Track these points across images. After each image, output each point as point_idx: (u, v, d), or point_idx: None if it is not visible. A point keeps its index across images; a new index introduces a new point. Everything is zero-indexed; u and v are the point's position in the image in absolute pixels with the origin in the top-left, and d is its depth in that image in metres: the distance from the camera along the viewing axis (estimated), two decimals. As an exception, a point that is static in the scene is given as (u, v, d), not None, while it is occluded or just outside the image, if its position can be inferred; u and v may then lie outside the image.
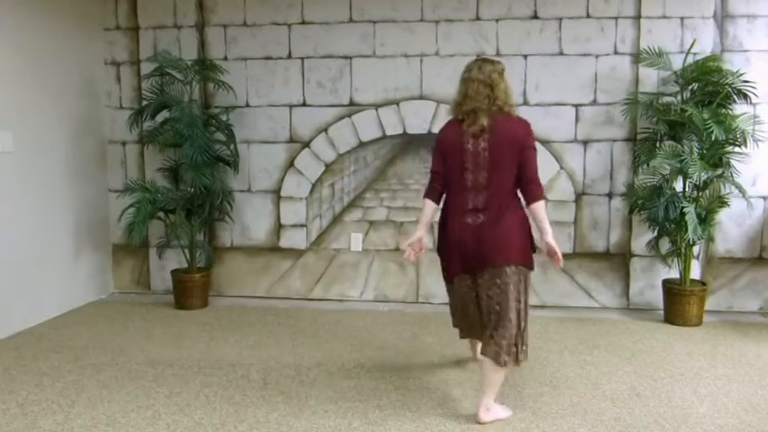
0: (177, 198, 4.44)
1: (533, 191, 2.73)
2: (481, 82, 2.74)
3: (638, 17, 4.28)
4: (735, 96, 3.99)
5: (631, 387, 3.10)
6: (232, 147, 4.57)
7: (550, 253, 2.70)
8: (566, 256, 4.46)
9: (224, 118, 4.55)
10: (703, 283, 4.20)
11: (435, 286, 4.58)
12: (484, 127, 2.70)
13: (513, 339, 2.71)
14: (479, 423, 2.73)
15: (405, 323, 4.16)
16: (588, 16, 4.33)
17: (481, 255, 2.72)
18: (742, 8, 4.21)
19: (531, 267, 2.79)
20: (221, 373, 3.29)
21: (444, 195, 2.91)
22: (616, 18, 4.31)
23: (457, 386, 3.11)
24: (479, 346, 2.97)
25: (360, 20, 4.52)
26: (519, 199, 2.80)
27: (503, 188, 2.73)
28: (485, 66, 2.79)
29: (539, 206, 2.73)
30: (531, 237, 2.82)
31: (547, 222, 2.74)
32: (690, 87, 4.09)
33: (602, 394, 3.02)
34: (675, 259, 4.15)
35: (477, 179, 2.73)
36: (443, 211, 2.92)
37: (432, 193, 2.91)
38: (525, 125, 2.77)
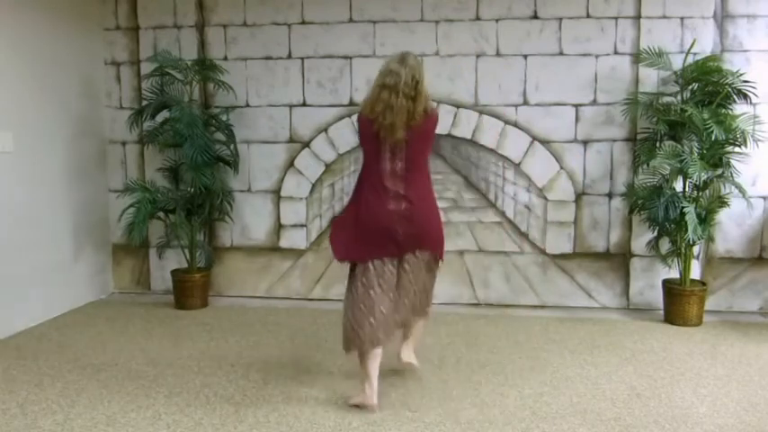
0: (177, 198, 4.44)
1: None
2: (406, 95, 2.72)
3: (638, 17, 4.28)
4: (735, 96, 3.99)
5: (631, 387, 3.10)
6: (232, 147, 4.57)
7: None
8: (566, 256, 4.50)
9: (224, 118, 4.56)
10: (703, 283, 4.20)
11: (435, 286, 4.57)
12: (400, 140, 2.75)
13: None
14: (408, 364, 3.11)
15: (405, 323, 4.16)
16: (588, 16, 4.33)
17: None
18: (742, 8, 4.21)
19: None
20: (221, 373, 3.29)
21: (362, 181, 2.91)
22: (616, 18, 4.31)
23: (456, 386, 3.11)
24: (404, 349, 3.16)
25: (360, 20, 4.52)
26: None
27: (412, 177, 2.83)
28: (413, 74, 2.73)
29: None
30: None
31: None
32: (690, 87, 4.09)
33: (602, 394, 3.02)
34: (675, 259, 4.15)
35: (395, 170, 2.80)
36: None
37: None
38: (435, 120, 2.87)
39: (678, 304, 4.07)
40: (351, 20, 4.53)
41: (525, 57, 4.40)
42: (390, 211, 2.78)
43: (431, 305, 3.15)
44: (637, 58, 4.26)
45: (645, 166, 4.19)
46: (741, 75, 3.96)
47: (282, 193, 4.73)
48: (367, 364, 2.80)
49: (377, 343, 2.80)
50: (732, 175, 4.03)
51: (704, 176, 3.92)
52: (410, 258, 2.88)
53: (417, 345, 3.21)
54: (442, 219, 3.03)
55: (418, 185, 2.84)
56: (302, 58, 4.60)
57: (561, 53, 4.37)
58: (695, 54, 4.15)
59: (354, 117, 4.56)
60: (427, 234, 2.89)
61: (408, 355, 3.14)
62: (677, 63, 4.13)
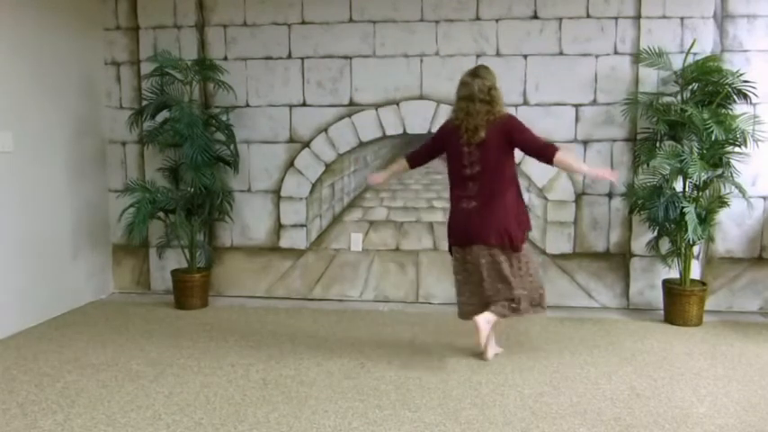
0: (177, 198, 4.44)
1: (546, 151, 3.19)
2: (482, 101, 3.21)
3: (638, 17, 4.28)
4: (735, 96, 3.99)
5: (631, 387, 3.10)
6: (232, 147, 4.56)
7: (602, 176, 3.29)
8: (566, 256, 4.50)
9: (224, 118, 4.56)
10: (703, 283, 4.20)
11: (435, 286, 4.59)
12: (483, 139, 3.20)
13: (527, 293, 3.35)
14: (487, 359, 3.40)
15: (405, 323, 4.16)
16: (588, 16, 4.33)
17: (466, 233, 3.36)
18: (742, 8, 4.21)
19: (518, 248, 3.31)
20: (221, 373, 3.29)
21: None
22: (616, 18, 4.31)
23: (457, 386, 3.11)
24: (490, 347, 3.49)
25: (360, 20, 4.52)
26: (510, 185, 3.31)
27: (493, 178, 3.25)
28: (483, 84, 3.22)
29: (562, 158, 3.15)
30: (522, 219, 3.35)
31: (580, 162, 3.51)
32: (690, 87, 4.09)
33: (602, 394, 3.02)
34: (675, 259, 4.15)
35: (473, 172, 3.27)
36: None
37: (410, 158, 3.58)
38: (510, 120, 3.27)
39: (678, 304, 4.07)
40: (351, 20, 4.53)
41: (525, 57, 4.40)
42: (462, 209, 3.31)
43: (530, 296, 3.34)
44: (637, 58, 4.26)
45: (645, 166, 4.19)
46: (741, 75, 3.96)
47: (282, 193, 4.73)
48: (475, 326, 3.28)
49: (467, 317, 3.38)
50: (732, 175, 4.03)
51: (704, 176, 3.92)
52: (479, 250, 3.29)
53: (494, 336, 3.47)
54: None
55: (492, 186, 3.25)
56: (302, 58, 4.60)
57: (561, 53, 4.37)
58: (695, 54, 4.15)
59: (354, 117, 4.59)
60: (489, 228, 3.24)
61: (490, 348, 3.46)
62: (677, 63, 4.13)
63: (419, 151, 3.55)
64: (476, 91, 3.21)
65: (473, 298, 3.39)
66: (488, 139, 3.19)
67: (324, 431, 2.65)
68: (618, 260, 4.47)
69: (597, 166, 4.39)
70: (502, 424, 2.71)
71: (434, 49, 4.47)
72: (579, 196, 4.46)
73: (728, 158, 4.00)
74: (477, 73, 3.27)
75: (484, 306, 3.32)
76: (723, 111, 3.96)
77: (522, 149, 3.28)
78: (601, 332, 3.95)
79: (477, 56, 4.42)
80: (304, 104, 4.64)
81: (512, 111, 4.42)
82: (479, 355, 3.45)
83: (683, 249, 4.06)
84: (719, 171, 4.02)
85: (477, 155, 3.23)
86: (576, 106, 4.40)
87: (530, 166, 4.45)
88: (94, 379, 3.21)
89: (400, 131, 4.57)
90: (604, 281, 4.50)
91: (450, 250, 3.48)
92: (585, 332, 3.95)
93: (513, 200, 3.29)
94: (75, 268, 4.51)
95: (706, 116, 3.81)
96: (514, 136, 3.22)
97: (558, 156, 3.13)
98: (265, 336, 3.90)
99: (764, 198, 4.30)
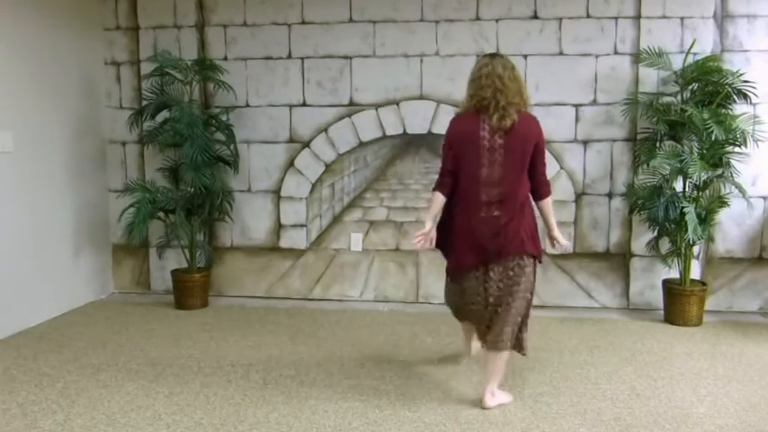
0: (177, 198, 4.44)
1: (543, 187, 2.92)
2: (511, 79, 2.76)
3: (638, 17, 4.28)
4: (735, 96, 3.99)
5: (631, 387, 3.10)
6: (232, 147, 4.56)
7: (555, 242, 3.01)
8: (566, 256, 4.49)
9: (224, 118, 4.56)
10: (703, 283, 4.20)
11: (435, 286, 4.58)
12: (514, 121, 2.72)
13: (517, 327, 2.86)
14: (485, 408, 2.84)
15: (405, 323, 4.16)
16: (588, 16, 4.33)
17: (497, 246, 2.79)
18: (742, 8, 4.21)
19: (540, 259, 2.95)
20: (221, 373, 3.29)
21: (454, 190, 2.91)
22: (616, 18, 4.31)
23: (457, 386, 3.11)
24: (474, 341, 3.16)
25: (360, 20, 4.52)
26: (528, 194, 2.91)
27: (515, 183, 2.79)
28: (506, 63, 2.80)
29: (548, 202, 2.96)
30: (537, 230, 2.94)
31: (554, 218, 3.00)
32: (690, 87, 4.09)
33: (602, 394, 3.02)
34: (675, 259, 4.15)
35: (492, 174, 2.78)
36: (451, 205, 2.92)
37: (442, 187, 2.91)
38: (539, 125, 2.85)
39: (678, 304, 4.07)
40: (351, 20, 4.53)
41: (525, 57, 4.40)
42: (482, 219, 2.82)
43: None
44: (637, 58, 4.26)
45: (645, 166, 4.19)
46: (741, 75, 3.96)
47: (282, 193, 4.73)
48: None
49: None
50: (732, 175, 4.03)
51: (704, 176, 3.92)
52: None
53: (494, 378, 2.89)
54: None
55: (515, 192, 2.80)
56: (302, 58, 4.60)
57: (561, 53, 4.37)
58: (695, 54, 4.14)
59: (354, 117, 4.58)
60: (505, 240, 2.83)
61: (484, 392, 2.91)
62: (677, 63, 4.13)
63: (445, 174, 2.90)
64: (500, 69, 2.76)
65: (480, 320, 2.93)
66: (516, 132, 2.73)
67: (324, 431, 2.65)
68: (618, 260, 4.47)
69: (597, 166, 4.41)
70: (502, 424, 2.71)
71: (434, 49, 4.47)
72: (579, 196, 4.46)
73: (728, 158, 4.00)
74: (494, 54, 2.88)
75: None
76: (723, 111, 3.96)
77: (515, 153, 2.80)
78: (601, 332, 3.95)
79: (477, 56, 4.39)
80: (304, 104, 4.64)
81: (512, 111, 4.44)
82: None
83: (683, 249, 4.06)
84: (719, 171, 4.02)
85: (501, 148, 2.74)
86: (576, 106, 4.40)
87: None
88: (94, 379, 3.21)
89: (400, 131, 4.57)
90: (604, 281, 4.50)
91: (454, 273, 2.98)
92: (585, 332, 3.95)
93: (532, 218, 2.89)
94: (75, 268, 4.51)
95: (706, 116, 3.81)
96: (538, 146, 2.82)
97: (549, 199, 2.94)
98: (265, 336, 3.90)
99: (764, 198, 4.30)
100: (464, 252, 2.87)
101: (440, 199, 2.92)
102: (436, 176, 2.98)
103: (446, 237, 2.97)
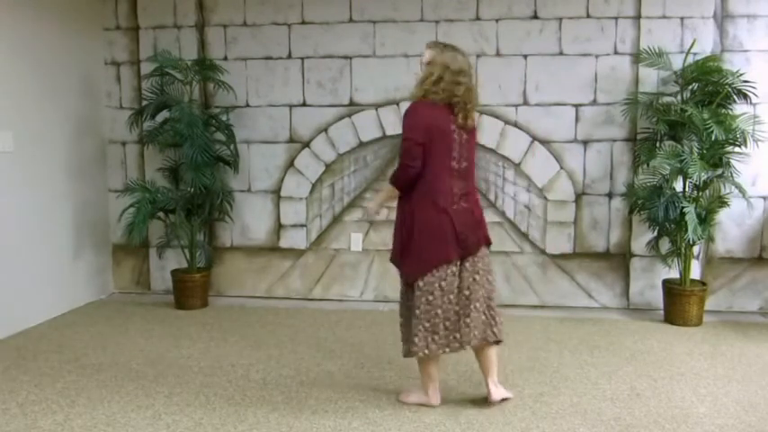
0: (177, 198, 4.44)
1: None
2: (472, 84, 2.83)
3: (638, 17, 4.28)
4: (735, 96, 3.99)
5: (631, 387, 3.10)
6: (232, 147, 4.56)
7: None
8: (566, 256, 4.50)
9: (224, 118, 4.56)
10: (703, 283, 4.20)
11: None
12: (473, 127, 2.84)
13: (499, 316, 2.90)
14: (492, 402, 2.85)
15: (405, 323, 4.16)
16: (588, 16, 4.33)
17: (478, 238, 2.84)
18: (742, 8, 4.21)
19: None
20: (221, 373, 3.29)
21: (422, 179, 2.75)
22: (616, 18, 4.31)
23: (457, 386, 3.11)
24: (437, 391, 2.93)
25: (360, 20, 4.52)
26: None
27: (474, 176, 2.91)
28: (467, 60, 2.82)
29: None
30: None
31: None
32: (690, 87, 4.09)
33: (602, 394, 3.02)
34: (675, 259, 4.15)
35: (461, 168, 2.80)
36: (412, 203, 2.76)
37: (405, 182, 2.77)
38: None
39: (678, 304, 4.07)
40: (351, 20, 4.53)
41: (525, 57, 4.40)
42: (458, 211, 2.78)
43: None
44: (637, 58, 4.26)
45: (645, 166, 4.19)
46: (741, 75, 3.96)
47: (282, 193, 4.73)
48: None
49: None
50: (732, 175, 4.03)
51: (704, 176, 3.92)
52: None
53: (496, 370, 2.93)
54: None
55: (473, 187, 2.92)
56: (302, 58, 4.60)
57: (561, 53, 4.37)
58: (695, 54, 4.14)
59: (354, 117, 4.58)
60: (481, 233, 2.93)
61: (489, 387, 2.90)
62: (677, 63, 4.13)
63: (411, 168, 2.74)
64: (468, 67, 2.79)
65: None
66: (473, 130, 2.84)
67: (324, 431, 2.65)
68: (618, 260, 4.46)
69: (597, 166, 4.41)
70: (502, 424, 2.71)
71: (434, 49, 4.46)
72: (579, 196, 4.46)
73: (728, 158, 4.00)
74: (456, 48, 2.81)
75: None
76: (723, 111, 3.96)
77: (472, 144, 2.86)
78: (601, 332, 3.95)
79: (478, 56, 4.42)
80: (304, 104, 4.64)
81: (511, 111, 4.45)
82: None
83: (683, 249, 4.06)
84: (719, 171, 4.02)
85: (467, 145, 2.79)
86: (576, 106, 4.40)
87: (530, 166, 4.45)
88: (94, 379, 3.21)
89: (400, 131, 4.55)
90: (604, 281, 4.49)
91: (428, 272, 2.73)
92: (585, 332, 3.95)
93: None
94: (75, 268, 4.51)
95: (706, 116, 3.81)
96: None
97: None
98: (265, 336, 3.90)
99: (764, 198, 4.30)
100: (443, 246, 2.71)
101: (395, 194, 2.84)
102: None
103: (409, 239, 2.76)
